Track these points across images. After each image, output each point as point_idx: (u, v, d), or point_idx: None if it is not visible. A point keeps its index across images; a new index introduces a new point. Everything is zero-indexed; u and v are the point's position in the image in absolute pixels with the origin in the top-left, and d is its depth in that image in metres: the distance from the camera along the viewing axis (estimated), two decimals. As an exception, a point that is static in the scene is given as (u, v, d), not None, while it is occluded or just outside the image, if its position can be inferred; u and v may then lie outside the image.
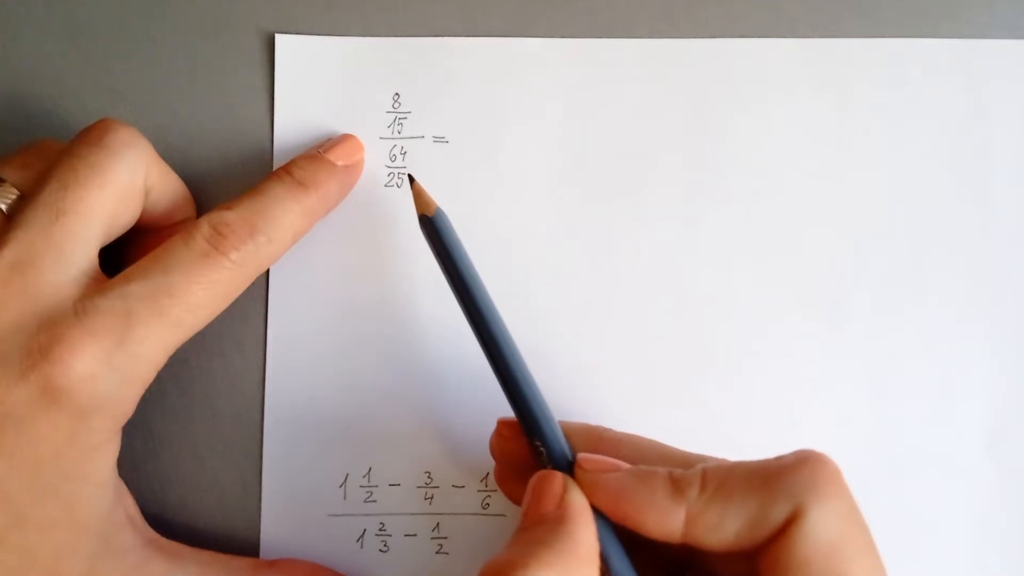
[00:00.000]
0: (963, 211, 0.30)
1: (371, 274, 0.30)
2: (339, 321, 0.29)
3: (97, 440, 0.23)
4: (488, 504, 0.29)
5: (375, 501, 0.29)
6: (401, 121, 0.30)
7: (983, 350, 0.30)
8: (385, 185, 0.30)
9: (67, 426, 0.23)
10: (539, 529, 0.22)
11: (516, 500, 0.27)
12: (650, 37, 0.30)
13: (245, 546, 0.29)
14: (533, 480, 0.23)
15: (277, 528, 0.29)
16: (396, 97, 0.30)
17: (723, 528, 0.21)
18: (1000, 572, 0.29)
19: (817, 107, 0.30)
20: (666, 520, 0.21)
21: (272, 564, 0.28)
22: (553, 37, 0.30)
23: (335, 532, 0.29)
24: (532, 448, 0.24)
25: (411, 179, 0.27)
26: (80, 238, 0.24)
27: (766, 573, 0.21)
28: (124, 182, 0.25)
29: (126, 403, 0.24)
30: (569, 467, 0.24)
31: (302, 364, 0.29)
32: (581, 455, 0.24)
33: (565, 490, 0.23)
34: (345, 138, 0.29)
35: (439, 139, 0.30)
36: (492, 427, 0.27)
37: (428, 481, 0.29)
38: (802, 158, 0.30)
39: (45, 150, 0.26)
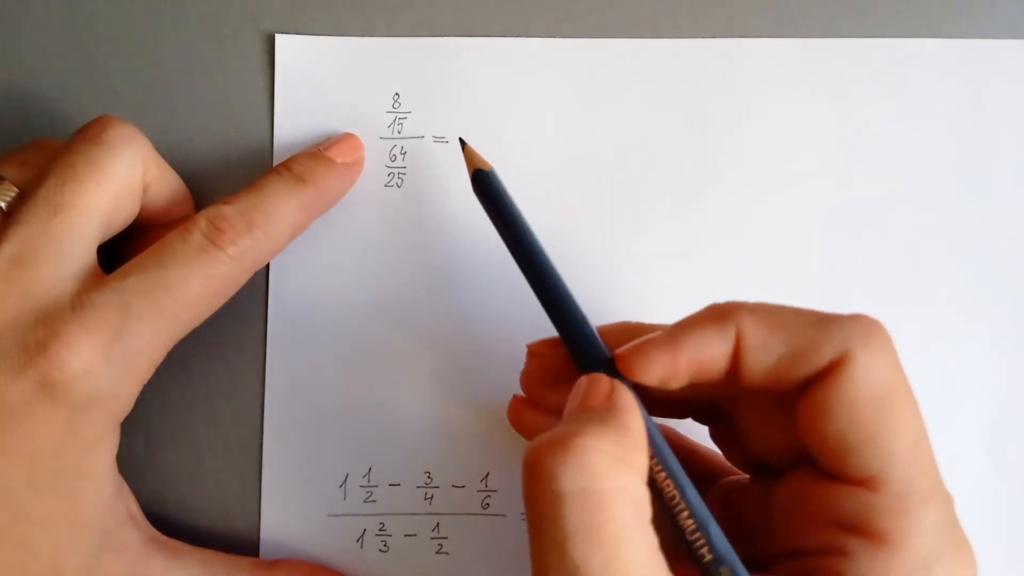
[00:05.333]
0: (963, 211, 0.30)
1: (371, 274, 0.30)
2: (339, 321, 0.29)
3: (95, 435, 0.23)
4: (488, 504, 0.29)
5: (375, 501, 0.29)
6: (401, 121, 0.30)
7: (983, 350, 0.30)
8: (385, 185, 0.30)
9: (65, 421, 0.23)
10: (589, 412, 0.21)
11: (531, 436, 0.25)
12: (650, 37, 0.30)
13: (245, 546, 0.29)
14: (580, 381, 0.22)
15: (277, 528, 0.29)
16: (396, 97, 0.30)
17: (768, 350, 0.21)
18: (1000, 572, 0.29)
19: (817, 107, 0.30)
20: (721, 337, 0.21)
21: (272, 564, 0.28)
22: (553, 37, 0.30)
23: (335, 532, 0.29)
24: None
25: (462, 142, 0.27)
26: (78, 234, 0.24)
27: (807, 418, 0.21)
28: (122, 178, 0.25)
29: (124, 398, 0.24)
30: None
31: (302, 364, 0.29)
32: (618, 350, 0.23)
33: (613, 388, 0.22)
34: (345, 136, 0.29)
35: (439, 139, 0.30)
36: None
37: (428, 481, 0.29)
38: (802, 158, 0.30)
39: (44, 148, 0.26)
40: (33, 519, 0.23)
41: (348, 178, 0.29)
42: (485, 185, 0.26)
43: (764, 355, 0.21)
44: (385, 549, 0.29)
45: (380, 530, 0.29)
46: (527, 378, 0.26)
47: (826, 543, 0.21)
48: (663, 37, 0.30)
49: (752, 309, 0.21)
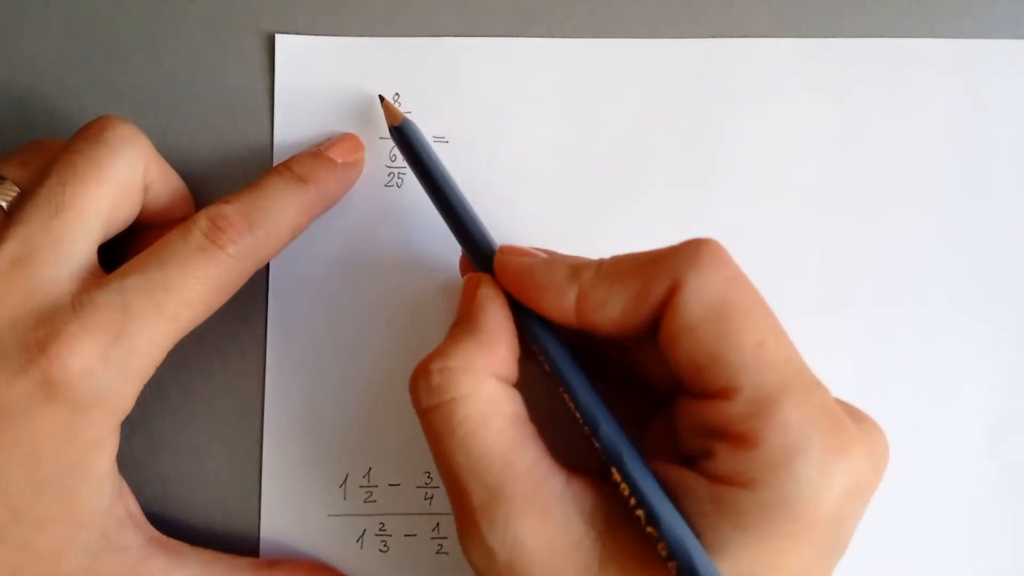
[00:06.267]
0: (963, 211, 0.30)
1: (371, 274, 0.30)
2: (339, 321, 0.29)
3: (96, 435, 0.23)
4: (488, 504, 0.29)
5: (375, 501, 0.29)
6: (401, 121, 0.30)
7: (983, 350, 0.30)
8: (385, 185, 0.30)
9: (65, 421, 0.23)
10: (457, 325, 0.24)
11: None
12: (650, 37, 0.30)
13: (245, 546, 0.29)
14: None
15: (277, 528, 0.29)
16: (396, 97, 0.30)
17: (610, 305, 0.22)
18: (1000, 572, 0.29)
19: (817, 107, 0.30)
20: (560, 298, 0.23)
21: (272, 564, 0.28)
22: (553, 37, 0.30)
23: (335, 532, 0.29)
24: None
25: (381, 98, 0.29)
26: (79, 233, 0.24)
27: (664, 350, 0.22)
28: (123, 178, 0.25)
29: (124, 398, 0.24)
30: None
31: (302, 364, 0.29)
32: (503, 244, 0.26)
33: (479, 283, 0.25)
34: (345, 136, 0.29)
35: (439, 139, 0.30)
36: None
37: (428, 481, 0.29)
38: (802, 157, 0.30)
39: (45, 148, 0.26)
40: (33, 519, 0.23)
41: (348, 178, 0.29)
42: (403, 136, 0.28)
43: (608, 309, 0.23)
44: (385, 549, 0.29)
45: (380, 530, 0.29)
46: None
47: (698, 449, 0.22)
48: (663, 37, 0.30)
49: (595, 268, 0.23)
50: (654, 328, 0.23)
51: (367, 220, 0.30)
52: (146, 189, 0.26)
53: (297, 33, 0.30)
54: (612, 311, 0.22)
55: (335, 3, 0.30)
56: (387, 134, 0.30)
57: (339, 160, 0.28)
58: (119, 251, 0.27)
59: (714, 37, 0.30)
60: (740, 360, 0.21)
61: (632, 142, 0.30)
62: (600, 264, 0.23)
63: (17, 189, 0.25)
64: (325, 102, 0.30)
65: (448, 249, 0.30)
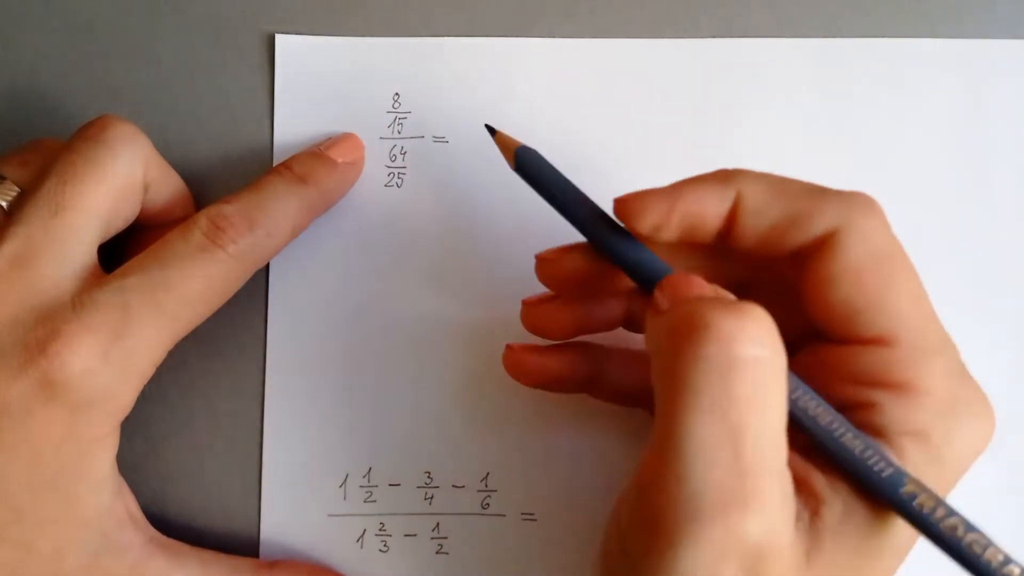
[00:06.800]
0: (963, 211, 0.30)
1: (371, 274, 0.30)
2: (339, 321, 0.29)
3: (96, 435, 0.23)
4: (488, 504, 0.29)
5: (375, 501, 0.29)
6: (401, 121, 0.30)
7: (983, 350, 0.30)
8: (385, 185, 0.30)
9: (65, 421, 0.23)
10: (720, 296, 0.21)
11: (546, 332, 0.26)
12: (650, 37, 0.30)
13: (245, 546, 0.29)
14: (669, 281, 0.22)
15: (277, 528, 0.29)
16: (396, 97, 0.30)
17: (766, 214, 0.22)
18: (1001, 572, 0.29)
19: (817, 107, 0.30)
20: (720, 195, 0.22)
21: (272, 565, 0.28)
22: (553, 37, 0.30)
23: (335, 532, 0.29)
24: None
25: (490, 129, 0.26)
26: (79, 233, 0.24)
27: (814, 289, 0.22)
28: (123, 177, 0.25)
29: (124, 398, 0.24)
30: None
31: (302, 364, 0.29)
32: (617, 197, 0.23)
33: (715, 290, 0.21)
34: (345, 136, 0.29)
35: (439, 139, 0.30)
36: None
37: (428, 481, 0.29)
38: (802, 157, 0.30)
39: (45, 148, 0.26)
40: (33, 519, 0.23)
41: (348, 178, 0.29)
42: (527, 166, 0.25)
43: (761, 218, 0.22)
44: (385, 549, 0.29)
45: (380, 530, 0.29)
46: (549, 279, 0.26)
47: (852, 399, 0.21)
48: (663, 37, 0.30)
49: (756, 176, 0.22)
50: (774, 259, 0.22)
51: (367, 220, 0.30)
52: (146, 189, 0.26)
53: (297, 33, 0.30)
54: (763, 221, 0.22)
55: (335, 3, 0.30)
56: (387, 134, 0.30)
57: (339, 160, 0.28)
58: (119, 251, 0.27)
59: (714, 37, 0.30)
60: (901, 309, 0.21)
61: (632, 142, 0.30)
62: (760, 174, 0.22)
63: (17, 189, 0.25)
64: (325, 102, 0.30)
65: (448, 249, 0.30)
